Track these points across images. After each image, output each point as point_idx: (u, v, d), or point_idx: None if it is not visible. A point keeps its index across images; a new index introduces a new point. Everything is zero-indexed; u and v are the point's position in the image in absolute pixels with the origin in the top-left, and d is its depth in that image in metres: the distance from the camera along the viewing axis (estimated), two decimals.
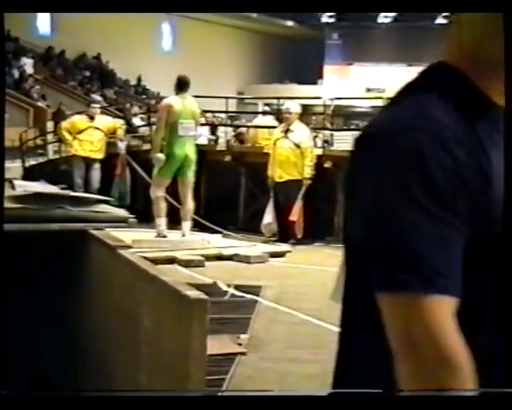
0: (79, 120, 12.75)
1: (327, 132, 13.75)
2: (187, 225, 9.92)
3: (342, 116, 26.14)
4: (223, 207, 12.41)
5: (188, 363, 2.87)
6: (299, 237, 10.95)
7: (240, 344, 5.71)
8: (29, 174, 14.67)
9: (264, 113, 17.80)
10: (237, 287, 7.71)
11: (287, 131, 11.23)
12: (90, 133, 12.40)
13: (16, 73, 26.39)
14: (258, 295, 7.41)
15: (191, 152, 9.85)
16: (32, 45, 29.44)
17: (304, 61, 39.51)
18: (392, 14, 39.28)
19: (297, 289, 7.94)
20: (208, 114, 15.70)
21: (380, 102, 13.65)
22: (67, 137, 12.60)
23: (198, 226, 10.85)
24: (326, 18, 41.37)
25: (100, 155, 12.46)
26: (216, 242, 10.27)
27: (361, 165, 1.24)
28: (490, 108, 1.26)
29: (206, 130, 16.46)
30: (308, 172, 11.03)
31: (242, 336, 5.92)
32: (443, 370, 1.12)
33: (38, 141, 19.79)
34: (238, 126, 18.42)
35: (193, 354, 2.86)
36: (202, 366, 2.90)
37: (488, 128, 1.24)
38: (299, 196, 10.94)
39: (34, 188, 5.03)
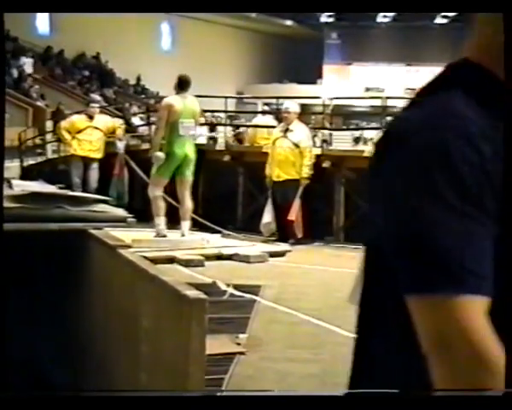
0: (78, 120, 12.74)
1: (326, 132, 13.75)
2: (186, 224, 9.92)
3: (341, 116, 26.17)
4: (221, 206, 12.41)
5: (187, 362, 2.86)
6: (300, 236, 10.96)
7: (239, 344, 5.71)
8: (27, 174, 14.67)
9: (264, 112, 17.81)
10: (236, 287, 7.71)
11: (286, 130, 11.23)
12: (89, 133, 12.40)
13: (15, 73, 26.37)
14: (257, 295, 7.41)
15: (190, 151, 9.85)
16: (31, 45, 29.42)
17: (303, 61, 39.53)
18: (391, 13, 39.28)
19: (296, 289, 7.95)
20: (207, 114, 15.68)
21: (379, 102, 13.66)
22: (66, 136, 12.59)
23: (197, 226, 10.85)
24: (325, 18, 41.39)
25: (99, 155, 12.45)
26: (215, 241, 10.27)
27: (385, 165, 1.23)
28: None
29: (205, 129, 16.46)
30: (306, 171, 11.03)
31: (241, 335, 5.93)
32: (479, 371, 1.11)
33: (37, 140, 19.78)
34: (237, 126, 18.45)
35: (192, 354, 2.86)
36: (201, 365, 2.90)
37: None
38: (297, 196, 10.94)
39: (32, 187, 5.03)
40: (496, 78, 1.24)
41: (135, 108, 25.89)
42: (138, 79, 34.84)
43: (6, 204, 3.99)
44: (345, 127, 24.11)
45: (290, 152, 11.10)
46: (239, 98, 31.05)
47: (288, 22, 41.49)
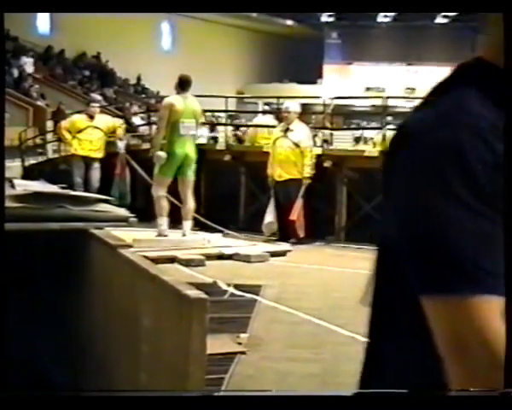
0: (79, 120, 12.74)
1: (326, 132, 13.75)
2: (188, 224, 9.93)
3: (342, 115, 26.16)
4: (223, 206, 12.42)
5: (187, 362, 2.86)
6: (302, 236, 10.96)
7: (239, 343, 5.72)
8: (28, 173, 14.67)
9: (264, 112, 17.82)
10: (237, 286, 7.72)
11: (286, 130, 11.23)
12: (89, 132, 12.40)
13: (16, 73, 26.38)
14: (258, 295, 7.41)
15: (191, 151, 9.87)
16: (32, 44, 29.44)
17: (303, 61, 39.51)
18: (392, 13, 39.28)
19: (297, 289, 7.95)
20: (207, 114, 15.69)
21: (379, 102, 13.65)
22: (67, 136, 12.59)
23: (199, 225, 10.86)
24: (325, 17, 41.39)
25: (99, 155, 12.46)
26: (216, 241, 10.28)
27: (398, 163, 1.21)
28: None
29: (205, 129, 16.48)
30: (308, 171, 11.03)
31: (242, 335, 5.93)
32: (496, 372, 1.09)
33: (38, 140, 19.78)
34: (238, 126, 18.45)
35: (192, 354, 2.86)
36: (202, 365, 2.90)
37: None
38: (299, 196, 10.94)
39: (34, 187, 5.03)
40: (509, 77, 1.24)
41: (135, 108, 25.90)
42: (139, 78, 34.86)
43: (8, 204, 4.00)
44: (345, 127, 24.06)
45: (291, 152, 11.10)
46: (239, 98, 31.05)
47: (289, 22, 41.51)
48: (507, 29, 1.24)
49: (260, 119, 14.90)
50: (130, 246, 4.20)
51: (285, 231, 10.99)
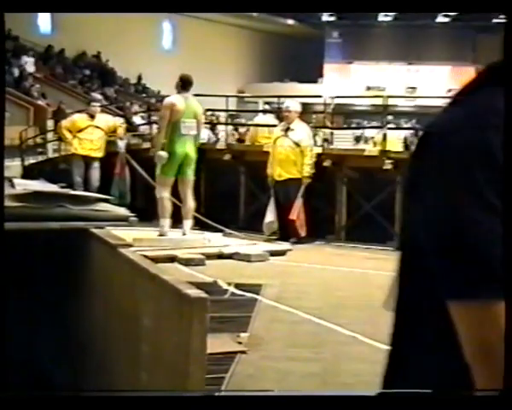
0: (79, 119, 12.75)
1: (327, 131, 13.74)
2: (188, 223, 9.93)
3: (342, 115, 26.17)
4: (223, 205, 12.42)
5: (188, 362, 2.86)
6: (303, 235, 10.96)
7: (240, 343, 5.71)
8: (28, 173, 14.67)
9: (265, 111, 17.80)
10: (237, 286, 7.72)
11: (287, 129, 11.23)
12: (90, 132, 12.40)
13: (16, 72, 26.39)
14: (258, 294, 7.41)
15: (191, 151, 9.87)
16: (32, 44, 29.45)
17: (304, 60, 39.53)
18: (392, 12, 39.28)
19: (297, 288, 7.95)
20: (208, 113, 15.69)
21: (380, 101, 13.65)
22: (67, 135, 12.60)
23: (199, 225, 10.85)
24: (326, 16, 41.40)
25: (99, 154, 12.46)
26: (216, 240, 10.28)
27: (426, 163, 1.20)
28: None
29: (205, 129, 16.46)
30: (307, 170, 11.03)
31: (242, 334, 5.93)
32: None
33: (38, 139, 19.79)
34: (238, 125, 18.45)
35: (193, 353, 2.85)
36: (202, 364, 2.90)
37: None
38: (299, 195, 10.94)
39: (34, 186, 5.03)
40: (509, 77, 1.23)
41: (136, 107, 25.90)
42: (139, 77, 34.87)
43: (8, 203, 3.99)
44: (346, 126, 24.07)
45: (291, 151, 11.10)
46: (240, 97, 31.05)
47: (289, 21, 41.52)
48: (507, 29, 1.23)
49: (261, 118, 14.90)
50: (130, 245, 4.19)
51: (285, 231, 10.99)
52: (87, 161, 12.40)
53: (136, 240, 8.46)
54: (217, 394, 4.10)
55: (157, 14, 33.91)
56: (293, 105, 11.52)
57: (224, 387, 4.70)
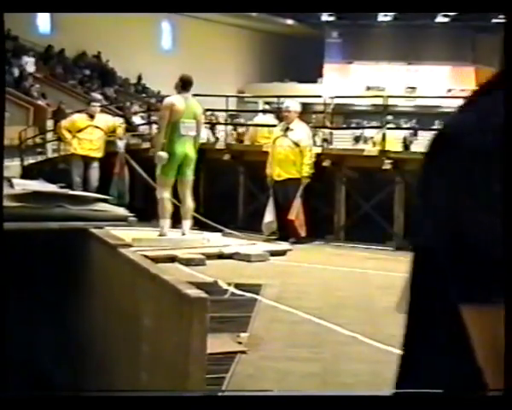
0: (79, 119, 12.74)
1: (326, 131, 13.74)
2: (187, 223, 9.93)
3: (342, 115, 26.17)
4: (222, 205, 12.42)
5: (188, 361, 2.86)
6: (303, 235, 10.96)
7: (240, 343, 5.71)
8: (28, 173, 14.67)
9: (264, 111, 17.80)
10: (237, 286, 7.72)
11: (286, 129, 11.23)
12: (89, 132, 12.40)
13: (16, 72, 26.39)
14: (258, 294, 7.41)
15: (191, 151, 9.87)
16: (32, 44, 29.45)
17: (304, 60, 39.54)
18: (392, 12, 39.30)
19: (297, 288, 7.95)
20: (207, 113, 15.69)
21: (380, 101, 13.65)
22: (67, 135, 12.59)
23: (198, 225, 10.85)
24: (326, 16, 41.43)
25: (99, 154, 12.46)
26: (216, 240, 10.28)
27: (439, 164, 1.19)
28: None
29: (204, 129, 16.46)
30: (307, 170, 11.03)
31: (242, 334, 5.93)
32: None
33: (38, 139, 19.79)
34: (238, 125, 18.44)
35: (193, 353, 2.85)
36: (202, 364, 2.89)
37: None
38: (298, 195, 10.94)
39: (33, 186, 5.02)
40: (509, 78, 1.22)
41: (135, 107, 25.90)
42: (139, 77, 34.88)
43: (7, 203, 3.99)
44: (345, 126, 24.06)
45: (290, 151, 11.10)
46: (240, 97, 31.06)
47: (289, 21, 41.53)
48: (506, 29, 1.23)
49: (261, 118, 14.90)
50: (129, 245, 4.19)
51: (284, 231, 10.99)
52: (86, 161, 12.40)
53: (136, 240, 8.46)
54: (217, 394, 4.10)
55: (156, 14, 33.92)
56: (293, 105, 11.52)
57: (224, 387, 4.70)
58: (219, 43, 38.66)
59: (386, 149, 11.80)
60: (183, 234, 9.91)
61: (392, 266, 9.41)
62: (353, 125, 26.76)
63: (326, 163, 11.51)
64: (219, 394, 4.36)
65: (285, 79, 39.67)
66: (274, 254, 9.82)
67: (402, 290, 1.32)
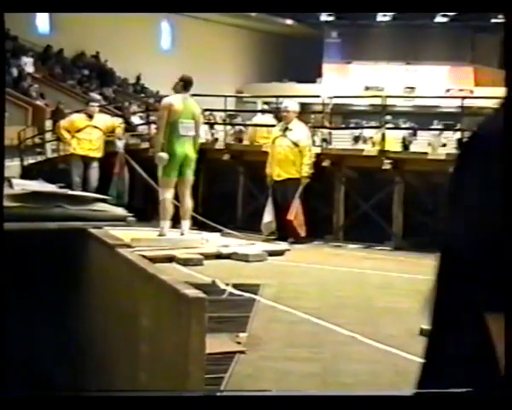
0: (78, 119, 12.74)
1: (325, 131, 13.75)
2: (186, 223, 9.93)
3: (341, 115, 26.18)
4: (221, 205, 12.42)
5: (186, 362, 2.86)
6: (303, 235, 10.96)
7: (239, 343, 5.72)
8: (27, 173, 14.68)
9: (263, 111, 17.80)
10: (236, 286, 7.71)
11: (285, 129, 11.23)
12: (88, 132, 12.40)
13: (15, 72, 26.38)
14: (256, 294, 7.41)
15: (190, 151, 9.87)
16: (31, 44, 29.43)
17: (303, 60, 39.54)
18: (391, 12, 39.31)
19: (296, 288, 7.95)
20: (206, 113, 15.69)
21: (378, 101, 13.66)
22: (66, 135, 12.59)
23: (197, 225, 10.86)
24: (325, 16, 41.43)
25: (98, 154, 12.45)
26: (215, 240, 10.28)
27: (471, 167, 1.18)
28: None
29: (203, 129, 16.46)
30: (306, 170, 11.03)
31: (241, 334, 5.93)
32: None
33: (37, 140, 19.78)
34: (237, 125, 18.44)
35: (191, 353, 2.85)
36: (201, 364, 2.89)
37: None
38: (297, 195, 10.94)
39: (32, 187, 5.02)
40: (509, 79, 1.22)
41: (134, 107, 25.89)
42: (138, 77, 34.87)
43: (6, 203, 3.99)
44: (344, 126, 24.06)
45: (290, 151, 11.11)
46: (239, 97, 31.05)
47: (288, 21, 41.52)
48: (507, 29, 1.23)
49: (259, 118, 14.90)
50: (128, 245, 4.19)
51: (283, 231, 10.99)
52: (86, 160, 12.39)
53: (134, 240, 8.47)
54: (215, 394, 4.10)
55: (155, 14, 33.92)
56: (292, 105, 11.53)
57: (223, 387, 4.70)
58: (218, 43, 38.66)
59: (386, 149, 11.81)
60: (182, 234, 9.91)
61: (390, 266, 9.43)
62: (352, 126, 26.76)
63: (325, 163, 11.51)
64: (218, 394, 4.36)
65: (284, 78, 39.68)
66: (272, 254, 9.82)
67: (426, 296, 1.31)
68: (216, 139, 16.60)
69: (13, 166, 14.90)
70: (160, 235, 9.81)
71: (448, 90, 39.56)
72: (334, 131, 14.52)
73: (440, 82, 41.39)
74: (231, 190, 12.58)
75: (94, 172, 12.40)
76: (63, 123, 12.95)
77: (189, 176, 9.91)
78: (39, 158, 17.33)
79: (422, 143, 26.26)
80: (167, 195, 9.80)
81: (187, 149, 9.80)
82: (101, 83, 31.30)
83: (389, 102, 16.17)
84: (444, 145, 24.18)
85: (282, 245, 10.51)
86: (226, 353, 5.41)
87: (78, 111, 14.29)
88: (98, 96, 14.89)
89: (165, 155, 9.67)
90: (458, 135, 13.52)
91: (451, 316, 1.24)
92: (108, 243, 4.07)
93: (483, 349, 1.14)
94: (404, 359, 5.40)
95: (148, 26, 35.11)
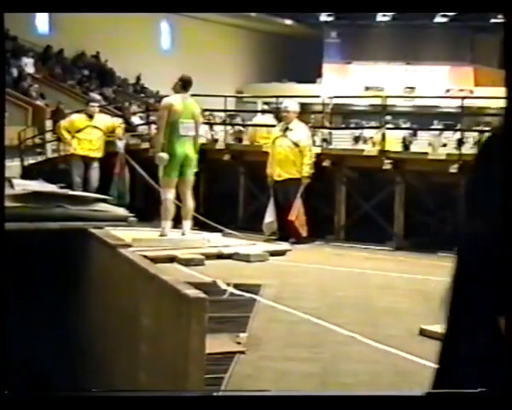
0: (78, 119, 12.74)
1: (325, 131, 13.74)
2: (187, 224, 9.93)
3: (341, 115, 26.19)
4: (222, 206, 12.42)
5: (187, 362, 2.86)
6: (305, 235, 10.95)
7: (239, 343, 5.72)
8: (28, 173, 14.67)
9: (263, 111, 17.80)
10: (236, 286, 7.71)
11: (285, 129, 11.23)
12: (88, 132, 12.40)
13: (15, 72, 26.37)
14: (257, 294, 7.41)
15: (191, 151, 9.87)
16: (31, 44, 29.42)
17: (303, 60, 39.54)
18: (391, 13, 39.31)
19: (296, 288, 7.95)
20: (206, 113, 15.69)
21: (378, 101, 13.65)
22: (66, 135, 12.59)
23: (198, 225, 10.86)
24: (325, 17, 41.43)
25: (98, 154, 12.45)
26: (216, 240, 10.28)
27: (491, 165, 1.18)
28: None
29: (203, 129, 16.46)
30: (307, 170, 11.03)
31: (241, 334, 5.93)
32: None
33: (37, 140, 19.78)
34: (237, 125, 18.44)
35: (192, 353, 2.86)
36: (201, 364, 2.90)
37: None
38: (298, 195, 10.94)
39: (33, 187, 5.03)
40: (508, 78, 1.22)
41: (134, 107, 25.87)
42: (138, 78, 34.86)
43: (7, 203, 3.99)
44: (344, 126, 24.06)
45: (290, 151, 11.11)
46: (239, 97, 31.05)
47: (288, 21, 41.52)
48: (507, 29, 1.23)
49: (259, 118, 14.90)
50: (129, 245, 4.20)
51: (285, 231, 10.99)
52: (86, 161, 12.39)
53: (136, 240, 8.46)
54: (215, 394, 4.10)
55: (155, 14, 33.92)
56: (292, 105, 11.53)
57: (223, 387, 4.70)
58: (218, 43, 38.66)
59: (386, 149, 11.80)
60: (183, 234, 9.91)
61: (391, 267, 9.43)
62: (352, 126, 26.77)
63: (326, 163, 11.51)
64: (218, 393, 4.36)
65: (284, 79, 39.68)
66: (273, 254, 9.82)
67: (442, 298, 1.30)
68: (216, 140, 16.59)
69: (13, 166, 14.90)
70: (161, 235, 9.81)
71: (448, 91, 39.57)
72: (334, 132, 14.55)
73: (440, 82, 41.40)
74: (232, 190, 12.58)
75: (94, 173, 12.40)
76: (63, 123, 12.95)
77: (190, 176, 9.92)
78: (39, 158, 17.31)
79: (423, 143, 26.28)
80: (169, 195, 9.80)
81: (187, 149, 9.80)
82: (102, 83, 31.30)
83: (389, 102, 16.16)
84: (444, 145, 24.19)
85: (283, 245, 10.51)
86: (226, 353, 5.41)
87: (78, 111, 14.28)
88: (98, 97, 14.88)
89: (165, 156, 9.67)
90: (458, 135, 13.51)
91: (466, 317, 1.24)
92: (109, 243, 4.07)
93: (497, 350, 1.14)
94: (404, 359, 5.40)
95: (148, 26, 35.11)
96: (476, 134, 21.98)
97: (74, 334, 4.55)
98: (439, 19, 41.24)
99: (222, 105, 14.51)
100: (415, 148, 23.13)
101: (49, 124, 22.02)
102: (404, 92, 39.26)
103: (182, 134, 9.75)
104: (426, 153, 12.87)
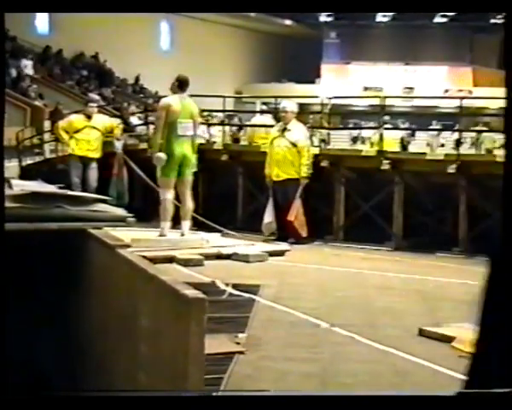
0: (76, 120, 12.73)
1: (324, 131, 13.74)
2: (186, 224, 9.92)
3: (340, 115, 26.17)
4: (221, 206, 12.42)
5: (186, 362, 2.86)
6: (305, 235, 10.96)
7: (238, 343, 5.72)
8: (26, 173, 14.65)
9: (262, 112, 17.80)
10: (235, 286, 7.71)
11: (284, 130, 11.24)
12: (86, 132, 12.39)
13: (14, 73, 26.35)
14: (256, 294, 7.41)
15: (189, 151, 9.86)
16: (30, 44, 29.41)
17: (302, 60, 39.56)
18: (390, 13, 39.31)
19: (296, 288, 7.95)
20: (204, 113, 15.68)
21: (377, 101, 13.65)
22: (64, 136, 12.58)
23: (197, 225, 10.85)
24: (324, 17, 41.44)
25: (97, 155, 12.45)
26: (215, 241, 10.28)
27: None
28: None
29: (201, 129, 16.45)
30: (305, 171, 11.03)
31: (240, 335, 5.93)
32: None
33: (35, 140, 19.76)
34: (235, 125, 18.44)
35: (191, 353, 2.86)
36: (200, 365, 2.90)
37: None
38: (297, 196, 10.94)
39: (32, 187, 5.03)
40: (508, 77, 1.21)
41: (133, 108, 25.86)
42: (137, 78, 34.85)
43: (6, 204, 3.99)
44: (343, 126, 24.06)
45: (288, 151, 11.11)
46: (237, 98, 31.05)
47: (287, 21, 41.53)
48: (507, 29, 1.23)
49: (258, 118, 14.90)
50: (128, 246, 4.20)
51: (283, 231, 11.00)
52: (84, 161, 12.39)
53: (135, 240, 8.46)
54: (215, 394, 4.10)
55: (155, 14, 33.92)
56: (290, 105, 11.53)
57: (223, 387, 4.70)
58: (217, 43, 38.66)
59: (384, 149, 11.81)
60: (183, 235, 9.91)
61: (390, 267, 9.43)
62: (351, 126, 26.76)
63: (324, 163, 11.52)
64: (217, 394, 4.36)
65: (283, 79, 39.68)
66: (272, 254, 9.81)
67: (478, 300, 1.30)
68: (213, 142, 16.60)
69: (11, 166, 14.89)
70: (160, 235, 9.81)
71: (447, 91, 39.59)
72: (332, 132, 14.52)
73: (439, 82, 41.42)
74: (231, 190, 12.58)
75: (93, 173, 12.40)
76: (62, 123, 12.95)
77: (189, 176, 9.91)
78: (37, 159, 17.30)
79: (421, 143, 26.30)
80: (168, 195, 9.80)
81: (185, 150, 9.80)
82: (100, 83, 31.28)
83: (388, 102, 16.15)
84: (442, 145, 24.20)
85: (282, 245, 10.51)
86: (225, 353, 5.41)
87: (76, 112, 14.28)
88: (97, 97, 14.87)
89: (163, 156, 9.67)
90: (456, 135, 13.51)
91: (498, 321, 1.24)
92: (108, 243, 4.07)
93: None
94: (403, 359, 5.41)
95: (148, 26, 35.10)
96: (474, 134, 22.08)
97: (74, 334, 4.55)
98: (438, 19, 41.24)
99: (221, 105, 14.50)
100: (413, 148, 23.14)
101: (47, 124, 22.01)
102: (402, 92, 39.27)
103: (180, 134, 9.75)
104: (424, 153, 12.88)
